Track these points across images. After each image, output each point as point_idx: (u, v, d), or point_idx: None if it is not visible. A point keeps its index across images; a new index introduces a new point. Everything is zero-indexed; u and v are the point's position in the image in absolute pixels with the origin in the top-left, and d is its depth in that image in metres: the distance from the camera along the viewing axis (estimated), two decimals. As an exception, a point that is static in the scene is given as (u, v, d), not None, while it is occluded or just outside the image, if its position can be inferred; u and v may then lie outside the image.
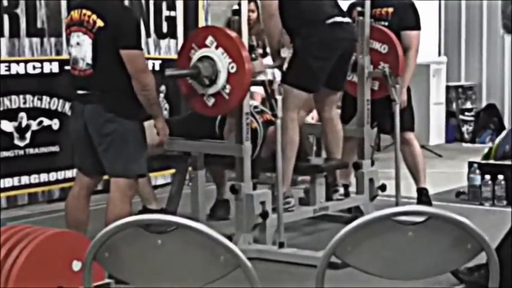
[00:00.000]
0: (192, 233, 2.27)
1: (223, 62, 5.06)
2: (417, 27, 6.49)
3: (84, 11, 4.57)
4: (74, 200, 4.75)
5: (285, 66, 5.55)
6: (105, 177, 4.84)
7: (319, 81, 5.55)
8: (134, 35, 4.55)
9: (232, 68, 5.04)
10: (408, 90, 6.54)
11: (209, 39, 5.12)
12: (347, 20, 5.69)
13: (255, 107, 5.92)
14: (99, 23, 4.50)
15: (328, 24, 5.50)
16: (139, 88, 4.51)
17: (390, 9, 6.44)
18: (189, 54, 5.20)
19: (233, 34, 5.11)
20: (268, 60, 6.27)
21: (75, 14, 4.63)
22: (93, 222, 4.62)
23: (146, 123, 4.64)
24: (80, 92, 4.64)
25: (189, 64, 5.17)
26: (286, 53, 5.61)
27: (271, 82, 5.13)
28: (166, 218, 2.35)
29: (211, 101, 5.16)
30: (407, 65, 6.35)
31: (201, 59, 5.13)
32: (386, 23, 6.37)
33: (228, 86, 5.07)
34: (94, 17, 4.52)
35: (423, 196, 6.53)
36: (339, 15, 5.60)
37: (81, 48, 4.57)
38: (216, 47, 5.09)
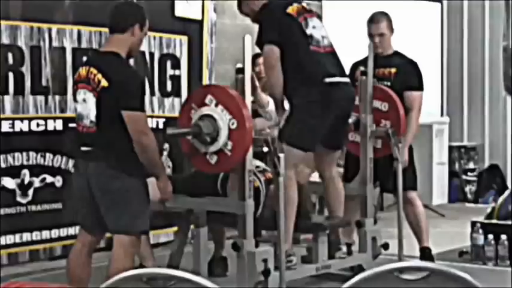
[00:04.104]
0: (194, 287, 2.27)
1: (223, 119, 5.07)
2: (420, 87, 6.50)
3: (91, 69, 4.59)
4: (75, 257, 4.73)
5: (282, 123, 5.55)
6: (108, 234, 4.83)
7: (315, 139, 5.54)
8: (137, 97, 4.54)
9: (232, 124, 5.05)
10: (410, 149, 6.54)
11: (208, 98, 5.14)
12: (345, 79, 5.69)
13: (257, 166, 5.92)
14: (104, 82, 4.52)
15: (326, 83, 5.50)
16: (140, 150, 4.50)
17: (393, 70, 6.47)
18: (190, 114, 5.22)
19: (232, 91, 5.14)
20: None
21: (82, 70, 4.66)
22: (94, 280, 4.59)
23: (149, 180, 4.64)
24: (83, 148, 4.65)
25: (190, 123, 5.19)
26: None
27: (273, 140, 5.14)
28: (168, 272, 2.34)
29: (213, 159, 5.16)
30: (410, 125, 6.34)
31: (202, 117, 5.14)
32: (389, 83, 6.40)
33: (229, 143, 5.07)
34: (99, 76, 4.54)
35: (426, 255, 6.49)
36: (339, 74, 5.62)
37: (86, 106, 4.59)
38: (216, 105, 5.11)
